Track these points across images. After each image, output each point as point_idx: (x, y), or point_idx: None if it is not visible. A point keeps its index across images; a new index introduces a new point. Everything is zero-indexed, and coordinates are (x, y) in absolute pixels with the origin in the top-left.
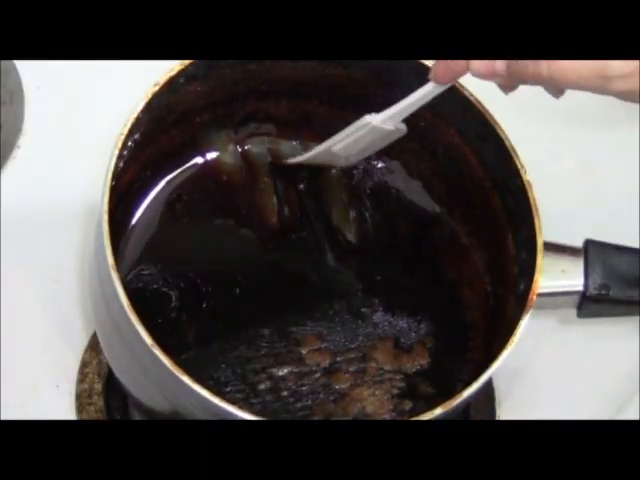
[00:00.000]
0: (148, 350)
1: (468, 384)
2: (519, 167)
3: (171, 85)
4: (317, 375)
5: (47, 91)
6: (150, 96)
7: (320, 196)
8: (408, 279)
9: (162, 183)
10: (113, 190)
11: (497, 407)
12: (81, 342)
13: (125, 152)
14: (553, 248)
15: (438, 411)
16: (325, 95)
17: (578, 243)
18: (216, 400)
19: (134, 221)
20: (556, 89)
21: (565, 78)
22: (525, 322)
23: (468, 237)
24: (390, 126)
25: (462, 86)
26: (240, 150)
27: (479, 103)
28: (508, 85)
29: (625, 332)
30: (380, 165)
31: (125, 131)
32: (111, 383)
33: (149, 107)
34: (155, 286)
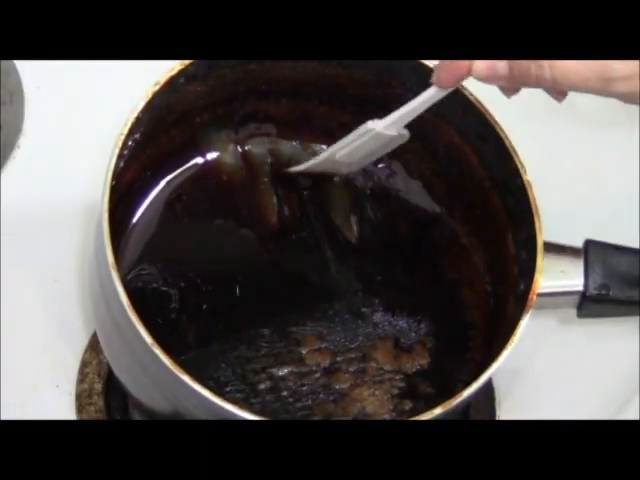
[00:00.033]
0: (148, 349)
1: (468, 384)
2: (519, 167)
3: (171, 85)
4: (317, 375)
5: (47, 91)
6: (151, 95)
7: (320, 196)
8: (408, 279)
9: (162, 183)
10: (113, 190)
11: (497, 407)
12: (81, 342)
13: (125, 152)
14: (553, 248)
15: (438, 411)
16: (325, 95)
17: (578, 243)
18: (216, 399)
19: (134, 221)
20: (558, 92)
21: (567, 80)
22: (525, 322)
23: (468, 237)
24: (393, 132)
25: (462, 86)
26: (240, 150)
27: (479, 103)
28: (510, 88)
29: (625, 332)
30: (380, 165)
31: (125, 131)
32: (111, 383)
33: (149, 107)
34: (155, 285)
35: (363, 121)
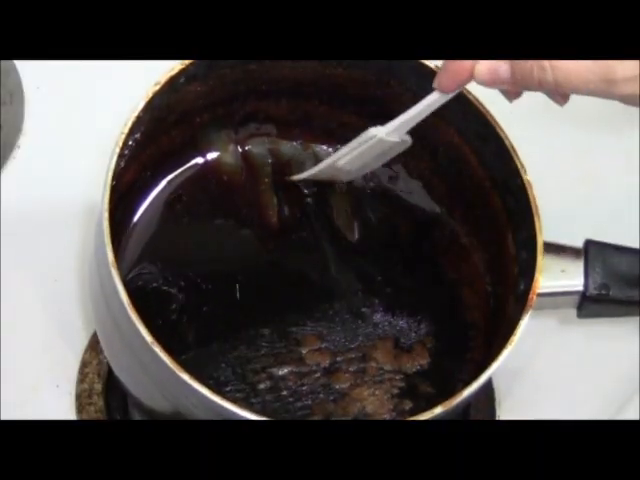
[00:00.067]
0: (148, 348)
1: (468, 384)
2: (519, 167)
3: (172, 85)
4: (317, 375)
5: (47, 91)
6: (151, 95)
7: (320, 196)
8: (408, 279)
9: (162, 183)
10: (113, 190)
11: (497, 407)
12: (81, 342)
13: (126, 151)
14: (553, 248)
15: (438, 411)
16: (325, 95)
17: (578, 243)
18: (216, 398)
19: (134, 221)
20: (560, 95)
21: (569, 82)
22: (525, 322)
23: (468, 237)
24: (395, 138)
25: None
26: (240, 150)
27: (479, 103)
28: (512, 92)
29: (625, 332)
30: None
31: (126, 130)
32: (111, 383)
33: (150, 106)
34: (155, 285)
35: (363, 121)
